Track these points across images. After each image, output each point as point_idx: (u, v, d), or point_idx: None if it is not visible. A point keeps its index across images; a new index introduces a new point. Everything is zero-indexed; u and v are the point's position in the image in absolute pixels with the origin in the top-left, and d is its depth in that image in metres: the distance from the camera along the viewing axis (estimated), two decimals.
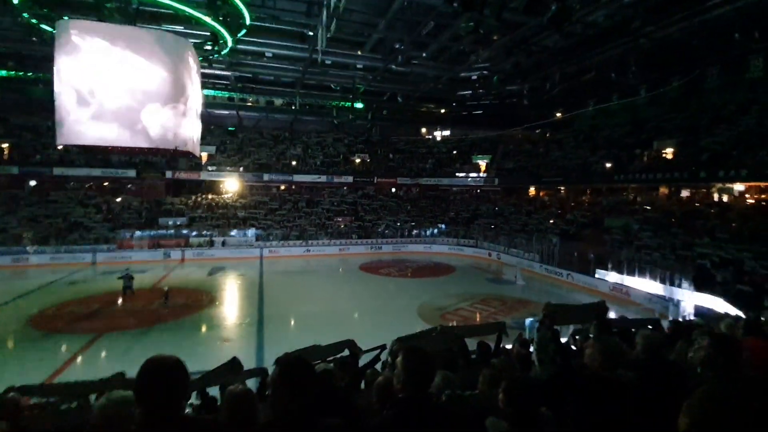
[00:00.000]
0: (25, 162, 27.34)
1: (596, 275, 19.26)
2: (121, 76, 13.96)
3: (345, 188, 35.74)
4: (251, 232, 28.46)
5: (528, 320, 10.59)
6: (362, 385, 4.14)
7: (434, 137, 41.47)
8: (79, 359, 11.03)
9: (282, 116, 36.02)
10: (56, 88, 13.64)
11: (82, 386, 4.81)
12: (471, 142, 38.72)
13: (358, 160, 37.23)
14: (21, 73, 26.65)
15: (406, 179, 36.61)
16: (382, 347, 4.97)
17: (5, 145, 28.01)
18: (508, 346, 5.18)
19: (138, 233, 25.83)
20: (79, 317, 14.36)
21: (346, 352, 4.35)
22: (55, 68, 13.63)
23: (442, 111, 38.54)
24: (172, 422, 1.40)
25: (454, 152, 38.88)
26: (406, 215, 33.99)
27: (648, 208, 23.22)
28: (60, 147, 15.24)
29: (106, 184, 29.94)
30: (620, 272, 18.25)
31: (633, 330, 4.49)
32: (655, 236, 19.80)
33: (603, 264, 19.24)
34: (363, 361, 4.47)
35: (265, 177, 32.88)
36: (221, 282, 21.01)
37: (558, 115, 33.14)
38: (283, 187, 34.96)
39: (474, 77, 28.62)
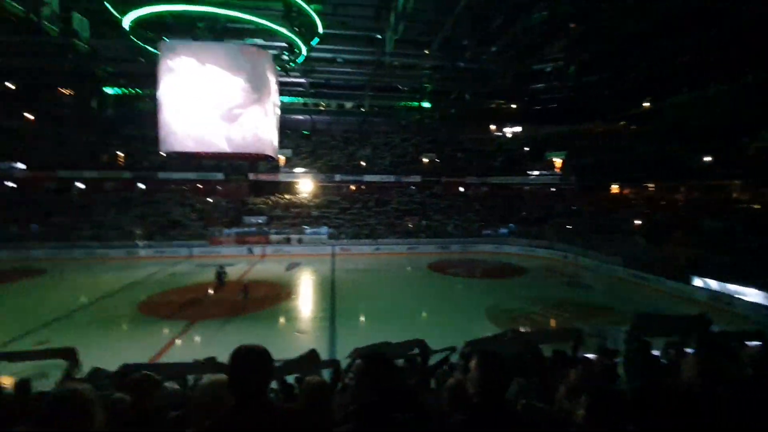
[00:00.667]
0: (135, 168, 31.59)
1: (693, 282, 17.17)
2: (211, 88, 15.49)
3: (413, 188, 35.88)
4: (324, 230, 29.81)
5: (612, 329, 9.81)
6: (432, 385, 4.16)
7: (504, 134, 39.91)
8: (177, 342, 12.43)
9: (352, 119, 37.26)
10: (158, 101, 15.55)
11: (181, 367, 5.45)
12: (544, 138, 36.61)
13: (425, 160, 37.15)
14: (131, 90, 30.75)
15: (475, 178, 35.75)
16: (452, 349, 4.95)
17: (120, 154, 32.48)
18: (589, 356, 4.86)
19: (226, 231, 28.47)
20: (177, 305, 16.22)
21: (415, 351, 4.40)
22: (157, 84, 15.54)
23: (513, 106, 36.99)
24: (259, 405, 1.54)
25: (526, 149, 37.08)
26: (474, 215, 33.19)
27: (757, 207, 20.13)
28: (162, 154, 17.18)
29: (199, 186, 33.36)
30: (720, 279, 16.07)
31: (737, 344, 3.96)
32: (763, 239, 17.09)
33: (698, 269, 17.09)
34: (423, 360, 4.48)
35: (337, 177, 34.25)
36: (297, 277, 22.29)
37: (644, 105, 30.03)
38: (353, 187, 36.09)
39: (548, 69, 27.07)
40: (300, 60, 21.86)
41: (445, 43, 22.79)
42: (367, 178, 34.77)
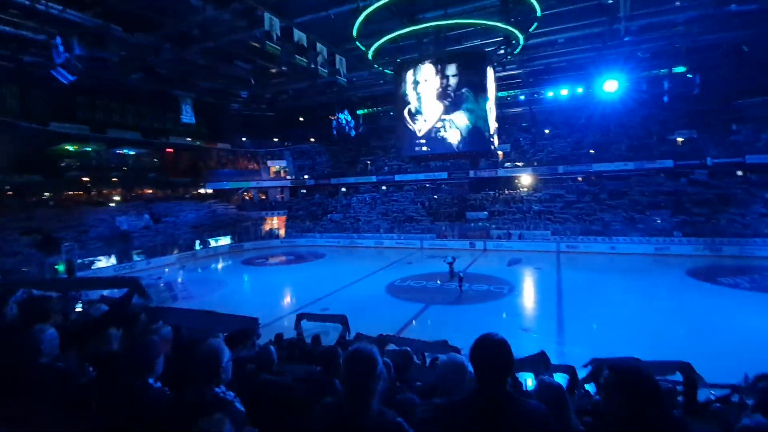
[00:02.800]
0: (379, 172, 38.25)
1: None
2: (437, 95, 17.25)
3: (661, 175, 29.36)
4: (547, 225, 28.30)
5: None
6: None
7: None
8: (413, 322, 14.45)
9: (575, 103, 33.37)
10: (396, 115, 18.37)
11: (421, 344, 6.51)
12: None
13: (679, 139, 29.80)
14: (375, 109, 37.18)
15: (765, 156, 26.05)
16: (733, 388, 4.00)
17: (368, 161, 39.85)
18: None
19: (450, 225, 31.00)
20: (414, 289, 18.86)
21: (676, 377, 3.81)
22: (395, 100, 18.35)
23: None
24: (501, 395, 1.61)
25: None
26: (764, 206, 24.41)
27: None
28: (397, 160, 20.19)
29: (427, 185, 37.51)
30: None
31: None
32: None
33: None
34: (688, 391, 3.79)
35: (560, 169, 31.66)
36: (519, 273, 21.99)
37: None
38: (580, 179, 32.53)
39: None
40: (517, 51, 21.28)
41: None
42: (597, 167, 30.59)
